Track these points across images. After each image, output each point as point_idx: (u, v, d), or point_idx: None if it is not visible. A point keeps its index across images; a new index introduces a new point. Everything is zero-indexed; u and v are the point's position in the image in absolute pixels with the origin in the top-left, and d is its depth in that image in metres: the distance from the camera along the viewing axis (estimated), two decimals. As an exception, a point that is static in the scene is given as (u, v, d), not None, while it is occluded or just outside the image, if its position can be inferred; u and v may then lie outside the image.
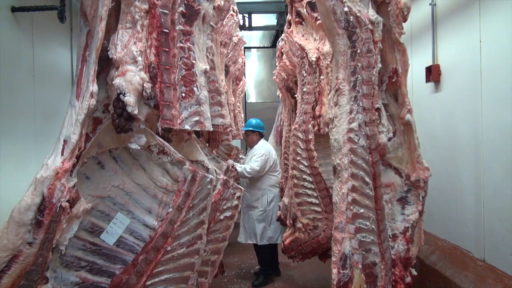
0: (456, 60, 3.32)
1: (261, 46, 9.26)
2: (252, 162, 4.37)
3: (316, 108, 3.19)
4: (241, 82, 5.35)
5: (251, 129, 4.63)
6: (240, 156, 4.38)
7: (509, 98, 2.65)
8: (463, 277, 2.99)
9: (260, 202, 4.47)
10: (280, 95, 5.08)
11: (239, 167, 4.17)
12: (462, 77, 3.23)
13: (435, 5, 3.57)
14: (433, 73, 3.55)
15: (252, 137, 4.63)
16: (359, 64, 1.95)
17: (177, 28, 1.73)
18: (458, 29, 3.26)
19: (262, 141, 4.68)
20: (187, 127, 1.70)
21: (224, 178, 2.07)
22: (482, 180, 3.00)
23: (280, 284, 4.36)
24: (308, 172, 3.19)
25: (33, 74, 2.91)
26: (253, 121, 4.72)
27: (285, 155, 4.34)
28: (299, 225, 3.26)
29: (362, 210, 1.92)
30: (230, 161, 4.04)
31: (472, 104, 3.07)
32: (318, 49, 3.18)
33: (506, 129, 2.69)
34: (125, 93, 1.57)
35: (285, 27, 3.99)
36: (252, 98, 8.96)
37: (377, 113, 2.02)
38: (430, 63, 3.61)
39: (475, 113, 3.04)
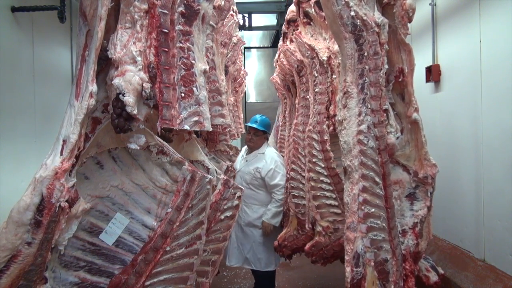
0: (456, 60, 3.32)
1: (261, 46, 9.27)
2: (275, 181, 3.58)
3: (330, 107, 3.10)
4: (241, 82, 5.33)
5: (262, 128, 3.72)
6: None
7: (509, 98, 2.65)
8: (463, 277, 2.99)
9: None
10: (279, 95, 5.06)
11: (270, 211, 3.53)
12: (462, 77, 3.23)
13: (435, 5, 3.57)
14: (433, 73, 3.55)
15: (261, 138, 3.75)
16: (367, 67, 1.97)
17: (176, 28, 1.72)
18: (458, 29, 3.26)
19: (271, 148, 3.85)
20: (186, 127, 1.70)
21: (225, 178, 2.07)
22: (482, 180, 3.00)
23: (280, 284, 4.36)
24: (325, 173, 3.09)
25: (33, 74, 2.91)
26: (259, 117, 3.79)
27: (282, 154, 4.30)
28: (318, 228, 3.14)
29: (373, 210, 1.95)
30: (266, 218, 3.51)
31: (472, 104, 3.07)
32: (328, 48, 3.13)
33: (506, 129, 2.69)
34: (124, 93, 1.57)
35: (283, 27, 3.99)
36: (252, 98, 8.98)
37: (385, 114, 2.04)
38: (430, 63, 3.61)
39: (475, 113, 3.04)
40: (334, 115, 3.04)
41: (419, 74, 3.74)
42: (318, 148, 3.13)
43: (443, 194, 3.51)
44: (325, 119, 3.12)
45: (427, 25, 3.67)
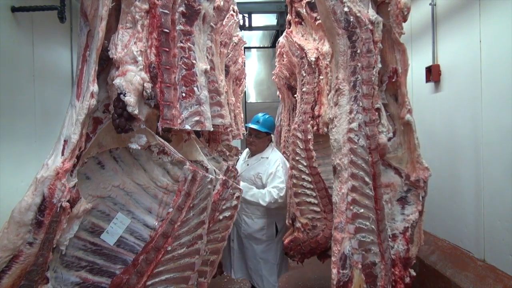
0: (456, 60, 3.32)
1: (261, 46, 9.27)
2: (273, 184, 3.24)
3: (315, 108, 3.18)
4: (241, 82, 5.33)
5: (264, 130, 3.37)
6: (238, 156, 3.67)
7: (509, 98, 2.65)
8: (463, 277, 2.99)
9: (266, 232, 3.33)
10: (280, 94, 5.06)
11: (268, 192, 3.17)
12: (462, 77, 3.23)
13: (435, 5, 3.57)
14: (433, 73, 3.55)
15: (264, 140, 3.43)
16: (359, 64, 1.95)
17: (177, 28, 1.72)
18: (458, 29, 3.26)
19: (275, 151, 3.52)
20: (187, 127, 1.70)
21: (223, 178, 2.07)
22: (482, 180, 3.00)
23: (280, 284, 4.36)
24: (307, 172, 3.17)
25: (33, 74, 2.91)
26: (261, 117, 3.42)
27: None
28: (298, 225, 3.25)
29: (362, 210, 1.92)
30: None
31: (472, 104, 3.07)
32: (317, 49, 3.19)
33: (506, 129, 2.69)
34: (125, 93, 1.57)
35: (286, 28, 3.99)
36: (252, 98, 8.98)
37: (377, 113, 2.02)
38: (430, 63, 3.61)
39: (475, 113, 3.04)
40: (319, 115, 3.13)
41: (419, 74, 3.75)
42: (301, 147, 3.20)
43: (443, 194, 3.51)
44: (309, 119, 3.19)
45: (427, 25, 3.67)
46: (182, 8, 1.74)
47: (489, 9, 2.88)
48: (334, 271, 1.90)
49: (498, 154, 2.80)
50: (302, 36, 3.40)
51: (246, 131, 3.62)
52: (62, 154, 1.53)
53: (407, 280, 2.16)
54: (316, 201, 3.19)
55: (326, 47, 3.08)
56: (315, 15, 3.14)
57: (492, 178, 2.90)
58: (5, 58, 2.57)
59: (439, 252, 3.49)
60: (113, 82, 1.59)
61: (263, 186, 3.30)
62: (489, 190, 2.93)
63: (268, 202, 3.16)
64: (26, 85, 2.84)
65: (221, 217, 2.05)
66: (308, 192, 3.19)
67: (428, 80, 3.64)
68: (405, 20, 2.08)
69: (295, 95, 3.94)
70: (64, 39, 3.45)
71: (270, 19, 7.71)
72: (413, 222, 2.15)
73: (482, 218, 3.01)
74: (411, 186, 2.18)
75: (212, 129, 1.82)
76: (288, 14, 3.78)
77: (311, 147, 3.17)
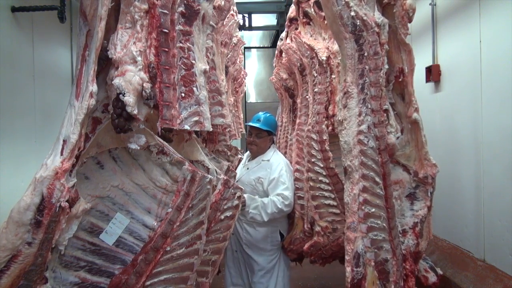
0: (456, 60, 3.32)
1: (261, 46, 9.28)
2: (277, 191, 3.07)
3: (329, 107, 3.10)
4: (240, 82, 5.33)
5: (266, 128, 3.21)
6: (239, 156, 3.56)
7: (509, 98, 2.65)
8: (463, 277, 2.99)
9: (270, 241, 3.19)
10: (279, 95, 5.05)
11: (271, 202, 2.99)
12: (462, 77, 3.23)
13: (435, 5, 3.58)
14: (433, 73, 3.56)
15: (265, 140, 3.26)
16: (367, 67, 1.98)
17: (176, 28, 1.72)
18: (458, 29, 3.26)
19: (277, 153, 3.35)
20: (186, 127, 1.69)
21: (225, 178, 2.07)
22: (482, 180, 3.00)
23: (280, 284, 4.35)
24: (324, 173, 3.06)
25: (33, 74, 2.91)
26: (262, 115, 3.27)
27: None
28: (317, 228, 3.12)
29: (373, 210, 1.96)
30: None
31: (472, 104, 3.07)
32: (328, 48, 3.13)
33: (506, 129, 2.69)
34: (124, 93, 1.57)
35: (286, 28, 3.98)
36: (252, 98, 8.99)
37: (385, 114, 2.06)
38: (430, 63, 3.61)
39: (475, 113, 3.04)
40: (333, 115, 3.03)
41: (419, 74, 3.74)
42: (317, 148, 3.11)
43: (443, 194, 3.51)
44: (324, 119, 3.11)
45: (427, 25, 3.67)
46: (181, 8, 1.74)
47: (489, 9, 2.87)
48: (348, 269, 1.95)
49: (498, 154, 2.80)
50: (311, 36, 3.36)
51: (246, 130, 3.47)
52: (61, 154, 1.53)
53: (434, 279, 2.25)
54: (335, 203, 3.07)
55: (336, 46, 3.02)
56: (323, 14, 3.08)
57: (492, 178, 2.89)
58: (5, 58, 2.57)
59: (439, 252, 3.49)
60: (112, 82, 1.59)
61: (264, 192, 3.15)
62: (489, 190, 2.93)
63: (271, 213, 2.99)
64: (26, 85, 2.84)
65: (222, 216, 2.04)
66: (327, 194, 3.08)
67: (428, 80, 3.64)
68: (410, 21, 2.12)
69: (294, 95, 3.92)
70: (64, 39, 3.46)
71: (270, 19, 7.71)
72: (422, 217, 2.21)
73: (482, 218, 3.01)
74: (419, 182, 2.24)
75: (211, 129, 1.82)
76: (290, 12, 3.78)
77: (327, 148, 3.06)
